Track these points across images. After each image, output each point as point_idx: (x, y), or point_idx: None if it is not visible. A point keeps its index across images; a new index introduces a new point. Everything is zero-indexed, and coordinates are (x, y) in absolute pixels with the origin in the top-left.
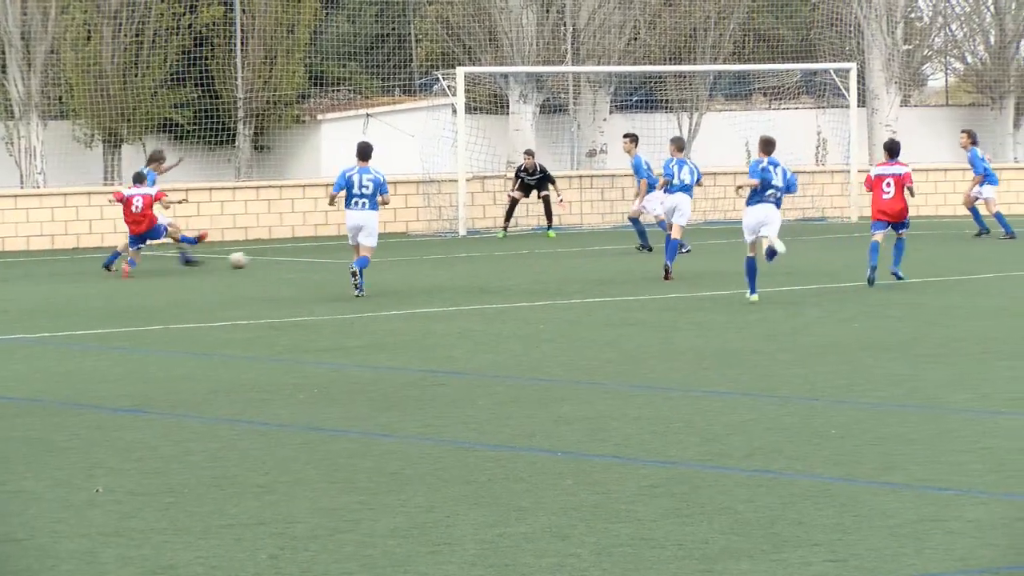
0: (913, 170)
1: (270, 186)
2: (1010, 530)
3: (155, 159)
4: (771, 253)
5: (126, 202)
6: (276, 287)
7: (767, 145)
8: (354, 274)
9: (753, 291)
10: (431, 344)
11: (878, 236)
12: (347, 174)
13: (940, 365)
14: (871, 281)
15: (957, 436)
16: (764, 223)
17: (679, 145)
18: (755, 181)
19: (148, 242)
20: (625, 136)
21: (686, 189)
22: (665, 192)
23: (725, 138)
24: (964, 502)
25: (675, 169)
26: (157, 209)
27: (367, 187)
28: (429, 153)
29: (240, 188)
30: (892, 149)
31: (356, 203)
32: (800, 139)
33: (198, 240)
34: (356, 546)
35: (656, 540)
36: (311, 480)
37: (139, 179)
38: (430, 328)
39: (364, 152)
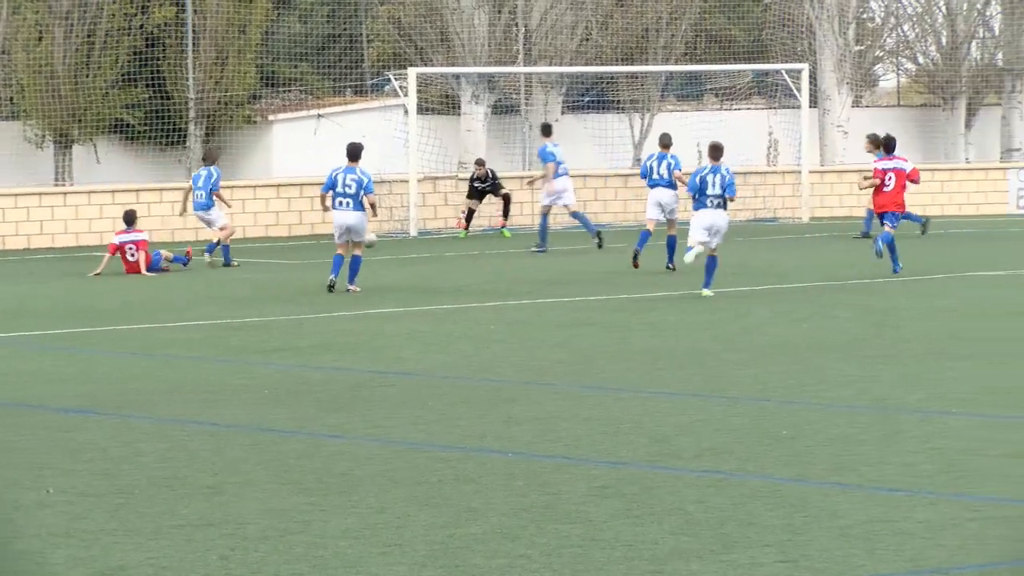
0: (864, 171)
1: (221, 187)
2: (960, 530)
3: (213, 158)
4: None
5: (120, 249)
6: (227, 288)
7: (714, 151)
8: (331, 286)
9: (689, 250)
10: (381, 345)
11: (888, 227)
12: (333, 174)
13: (889, 366)
14: (879, 253)
15: (907, 437)
16: (713, 227)
17: (664, 142)
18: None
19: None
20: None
21: (666, 184)
22: (649, 187)
23: (677, 138)
24: (914, 503)
25: (654, 164)
26: (215, 210)
27: (350, 187)
28: (381, 154)
29: (191, 189)
30: (888, 144)
31: (340, 203)
32: (752, 140)
33: (187, 260)
34: (306, 547)
35: (606, 541)
36: (261, 481)
37: (130, 220)
38: (380, 329)
39: (351, 152)
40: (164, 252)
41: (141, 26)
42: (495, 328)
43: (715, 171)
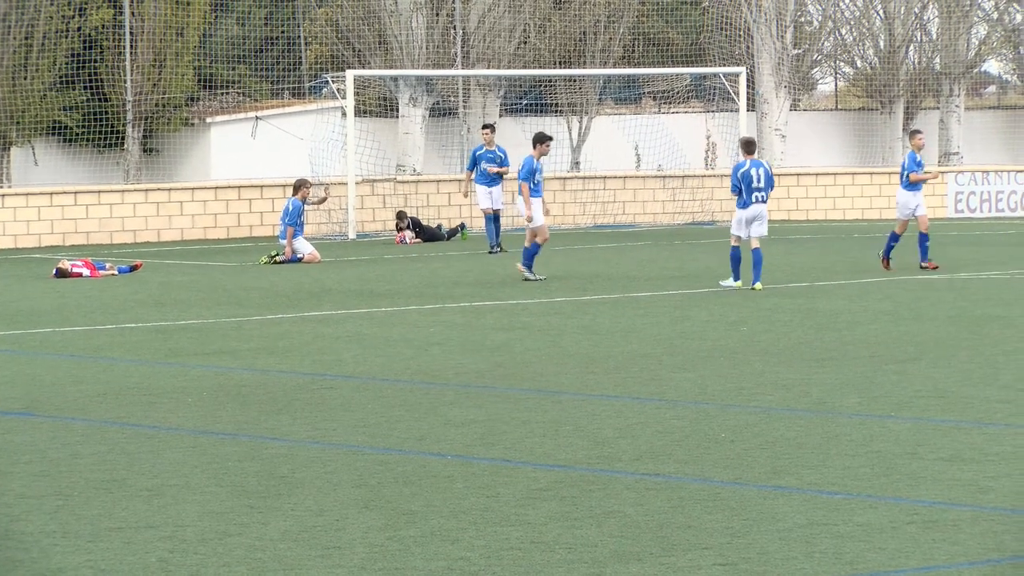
0: (802, 174)
1: (159, 189)
2: (898, 533)
3: (295, 187)
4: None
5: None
6: (164, 290)
7: (748, 145)
8: (525, 273)
9: (736, 278)
10: (320, 347)
11: None
12: None
13: (828, 369)
14: None
15: (846, 440)
16: (755, 220)
17: (914, 140)
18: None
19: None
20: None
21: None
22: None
23: (615, 142)
24: (853, 506)
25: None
26: (298, 241)
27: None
28: (318, 156)
29: (129, 191)
30: None
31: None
32: (689, 143)
33: (133, 269)
34: (246, 550)
35: (546, 543)
36: (200, 484)
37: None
38: (319, 331)
39: (535, 139)
40: (108, 265)
41: (79, 28)
42: (434, 331)
43: (756, 165)
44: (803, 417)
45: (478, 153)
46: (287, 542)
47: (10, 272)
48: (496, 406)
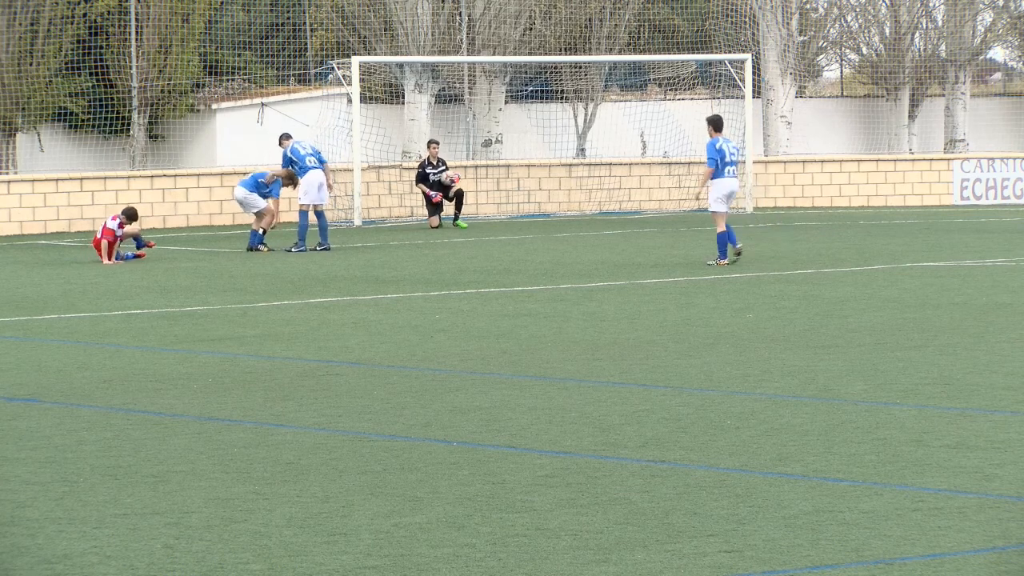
0: (808, 161)
1: (164, 175)
2: (904, 521)
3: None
4: None
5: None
6: (170, 277)
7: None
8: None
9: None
10: (326, 334)
11: None
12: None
13: (834, 356)
14: None
15: (851, 427)
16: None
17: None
18: None
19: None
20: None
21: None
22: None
23: (620, 128)
24: (859, 493)
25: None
26: (257, 197)
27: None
28: (324, 142)
29: (135, 177)
30: None
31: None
32: (695, 130)
33: (145, 245)
34: (251, 536)
35: (551, 530)
36: (206, 470)
37: (132, 216)
38: (325, 318)
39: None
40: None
41: (84, 14)
42: (439, 317)
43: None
44: (809, 404)
45: None
46: (293, 528)
47: (16, 258)
48: (502, 393)
